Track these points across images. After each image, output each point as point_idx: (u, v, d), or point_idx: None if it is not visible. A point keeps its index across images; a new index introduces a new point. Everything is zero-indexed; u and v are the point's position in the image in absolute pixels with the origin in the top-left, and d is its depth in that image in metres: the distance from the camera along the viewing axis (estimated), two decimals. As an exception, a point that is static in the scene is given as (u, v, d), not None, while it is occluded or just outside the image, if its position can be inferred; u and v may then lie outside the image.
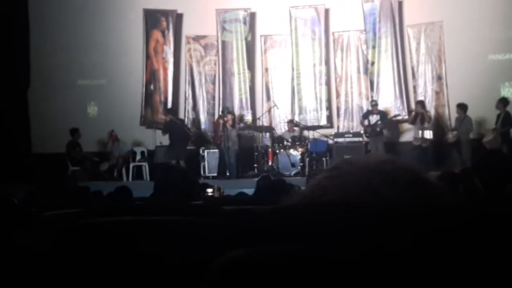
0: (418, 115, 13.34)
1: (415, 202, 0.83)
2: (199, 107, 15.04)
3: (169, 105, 14.73)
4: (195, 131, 14.82)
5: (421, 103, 13.56)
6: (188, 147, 13.88)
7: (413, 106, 13.96)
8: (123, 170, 13.99)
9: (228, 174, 13.31)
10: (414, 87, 14.36)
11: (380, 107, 13.86)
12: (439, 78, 14.16)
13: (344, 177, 0.87)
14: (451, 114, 13.73)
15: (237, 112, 14.57)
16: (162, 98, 14.84)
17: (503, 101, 12.80)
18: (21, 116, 14.49)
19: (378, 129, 13.44)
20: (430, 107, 14.06)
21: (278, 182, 5.05)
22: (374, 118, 13.51)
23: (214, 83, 15.02)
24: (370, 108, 13.82)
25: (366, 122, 13.60)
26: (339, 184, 0.87)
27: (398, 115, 13.87)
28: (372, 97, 14.27)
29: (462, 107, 12.98)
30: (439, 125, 13.96)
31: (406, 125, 14.13)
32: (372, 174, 0.87)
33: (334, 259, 0.74)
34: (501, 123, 12.54)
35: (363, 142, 13.62)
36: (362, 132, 13.93)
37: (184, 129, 13.64)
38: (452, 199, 0.87)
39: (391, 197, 0.85)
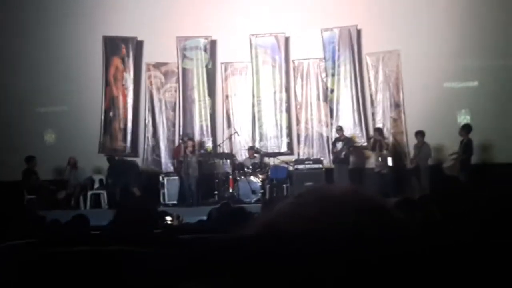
0: (377, 142, 13.51)
1: (366, 231, 0.83)
2: (159, 134, 14.96)
3: (129, 131, 14.63)
4: (153, 158, 14.75)
5: (378, 130, 13.74)
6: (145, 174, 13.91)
7: (371, 133, 14.14)
8: (81, 198, 13.77)
9: (189, 201, 13.21)
10: (373, 114, 14.55)
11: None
12: (397, 105, 14.40)
13: (307, 206, 0.87)
14: (409, 141, 13.94)
15: (197, 139, 14.53)
16: (122, 125, 14.72)
17: (466, 128, 12.93)
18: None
19: (342, 156, 13.50)
20: (389, 134, 14.26)
21: (236, 210, 5.03)
22: (339, 145, 13.60)
23: (174, 110, 14.98)
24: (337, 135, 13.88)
25: (335, 149, 13.67)
26: (301, 212, 0.87)
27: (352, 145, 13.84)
28: (331, 124, 14.41)
29: (421, 134, 13.18)
30: (397, 152, 14.15)
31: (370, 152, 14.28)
32: (335, 204, 0.87)
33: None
34: (463, 150, 12.70)
35: (323, 169, 13.69)
36: (322, 159, 14.02)
37: (124, 160, 13.72)
38: (406, 228, 0.87)
39: (348, 225, 0.85)
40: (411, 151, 13.72)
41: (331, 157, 14.02)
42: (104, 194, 13.73)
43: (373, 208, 0.87)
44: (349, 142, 13.70)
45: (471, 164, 12.66)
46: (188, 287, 0.80)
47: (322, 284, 0.77)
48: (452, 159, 12.89)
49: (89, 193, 13.79)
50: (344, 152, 13.48)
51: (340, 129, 13.81)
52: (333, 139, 14.02)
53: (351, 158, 13.79)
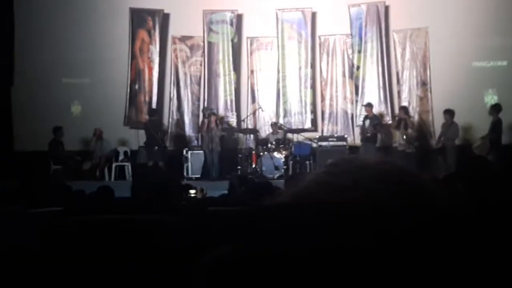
0: (402, 121, 13.37)
1: (398, 203, 0.83)
2: (184, 108, 14.99)
3: (154, 105, 14.67)
4: (178, 132, 14.79)
5: (404, 109, 13.58)
6: (170, 148, 13.95)
7: (397, 111, 14.00)
8: (106, 170, 13.91)
9: (212, 175, 13.27)
10: (399, 92, 14.42)
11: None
12: (424, 84, 14.24)
13: (340, 175, 0.87)
14: (435, 120, 13.80)
15: (221, 113, 14.56)
16: (147, 98, 14.77)
17: (496, 107, 12.71)
18: (4, 114, 14.37)
19: (367, 134, 13.34)
20: (414, 113, 14.13)
21: (263, 184, 5.04)
22: (367, 123, 13.43)
23: (199, 84, 14.99)
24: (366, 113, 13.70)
25: (363, 127, 13.47)
26: (334, 181, 0.86)
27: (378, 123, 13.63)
28: (356, 101, 14.30)
29: (449, 113, 12.97)
30: (422, 131, 14.02)
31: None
32: (369, 174, 0.86)
33: (313, 258, 0.74)
34: (492, 130, 12.52)
35: (347, 146, 13.62)
36: (346, 136, 13.94)
37: (152, 133, 13.64)
38: (441, 200, 0.87)
39: (382, 196, 0.85)
40: (437, 130, 13.56)
41: (358, 135, 13.89)
42: (128, 166, 13.85)
43: (407, 180, 0.86)
44: (376, 119, 13.51)
45: (501, 144, 12.47)
46: (215, 253, 0.80)
47: (353, 254, 0.77)
48: (481, 139, 12.69)
49: (114, 164, 13.91)
50: (369, 130, 13.31)
51: (368, 106, 13.60)
52: (362, 117, 13.83)
53: (379, 136, 13.57)
